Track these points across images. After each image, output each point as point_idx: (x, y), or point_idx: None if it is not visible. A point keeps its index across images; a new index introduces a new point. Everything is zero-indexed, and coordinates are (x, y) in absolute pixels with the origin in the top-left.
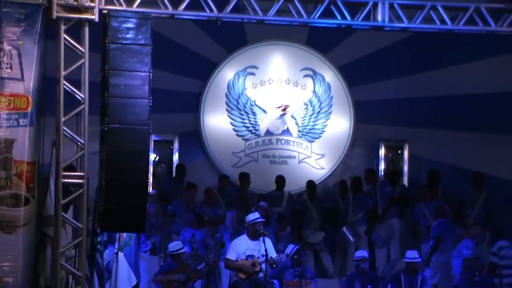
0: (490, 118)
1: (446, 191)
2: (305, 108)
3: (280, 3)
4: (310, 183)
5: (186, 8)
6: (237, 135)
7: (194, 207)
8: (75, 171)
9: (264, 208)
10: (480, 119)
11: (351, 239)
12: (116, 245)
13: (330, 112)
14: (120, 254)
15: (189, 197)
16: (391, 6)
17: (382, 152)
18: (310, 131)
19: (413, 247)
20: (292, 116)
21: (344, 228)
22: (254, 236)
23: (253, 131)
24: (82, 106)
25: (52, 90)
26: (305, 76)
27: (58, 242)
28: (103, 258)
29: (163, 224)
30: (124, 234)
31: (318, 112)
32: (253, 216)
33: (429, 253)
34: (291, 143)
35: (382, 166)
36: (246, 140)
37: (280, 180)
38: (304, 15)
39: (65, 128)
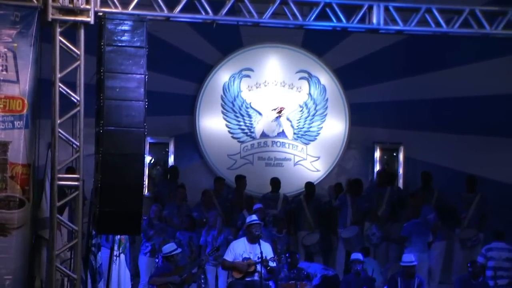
0: (485, 121)
1: (441, 194)
2: (301, 111)
3: (276, 5)
4: (309, 185)
5: (181, 11)
6: (233, 137)
7: (189, 210)
8: (71, 173)
9: (261, 210)
10: (476, 122)
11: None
12: (116, 248)
13: (326, 115)
14: (122, 257)
15: (179, 200)
16: (386, 8)
17: (377, 154)
18: (306, 133)
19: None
20: (288, 119)
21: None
22: (252, 239)
23: (249, 133)
24: (78, 108)
25: (47, 92)
26: (301, 78)
27: (54, 245)
28: (97, 261)
29: (166, 227)
30: (123, 236)
31: (314, 115)
32: (249, 218)
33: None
34: (287, 145)
35: (377, 168)
36: (242, 142)
37: (276, 182)
38: (300, 18)
39: (60, 130)
